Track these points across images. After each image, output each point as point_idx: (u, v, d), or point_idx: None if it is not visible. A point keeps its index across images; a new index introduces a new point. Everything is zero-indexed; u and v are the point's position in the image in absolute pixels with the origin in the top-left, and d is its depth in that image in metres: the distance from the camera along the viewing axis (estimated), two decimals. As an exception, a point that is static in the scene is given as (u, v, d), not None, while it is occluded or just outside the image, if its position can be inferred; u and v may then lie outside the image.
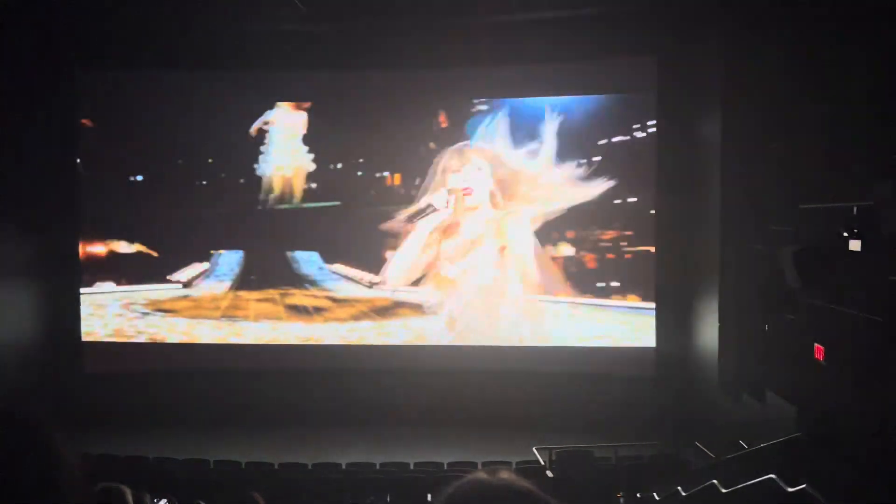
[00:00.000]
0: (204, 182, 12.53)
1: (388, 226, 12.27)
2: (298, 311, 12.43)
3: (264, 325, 12.46)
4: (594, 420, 11.20)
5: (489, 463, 9.05)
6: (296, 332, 12.48)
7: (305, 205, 12.43)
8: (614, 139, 11.82)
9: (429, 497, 7.42)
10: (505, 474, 1.22)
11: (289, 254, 12.37)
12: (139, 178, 12.55)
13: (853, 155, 7.22)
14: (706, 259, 11.04)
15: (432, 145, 12.22)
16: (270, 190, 12.50)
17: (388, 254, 12.25)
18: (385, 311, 12.32)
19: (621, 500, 8.08)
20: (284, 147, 12.48)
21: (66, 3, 11.10)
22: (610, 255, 11.88)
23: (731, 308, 10.23)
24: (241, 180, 12.53)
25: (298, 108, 12.55)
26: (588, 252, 11.92)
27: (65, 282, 12.67)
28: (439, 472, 9.02)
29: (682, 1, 11.05)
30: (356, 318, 12.33)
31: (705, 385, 11.03)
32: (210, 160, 12.55)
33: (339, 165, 12.40)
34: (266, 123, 12.53)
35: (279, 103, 12.55)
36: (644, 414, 11.27)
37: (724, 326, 10.36)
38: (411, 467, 9.44)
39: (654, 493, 7.90)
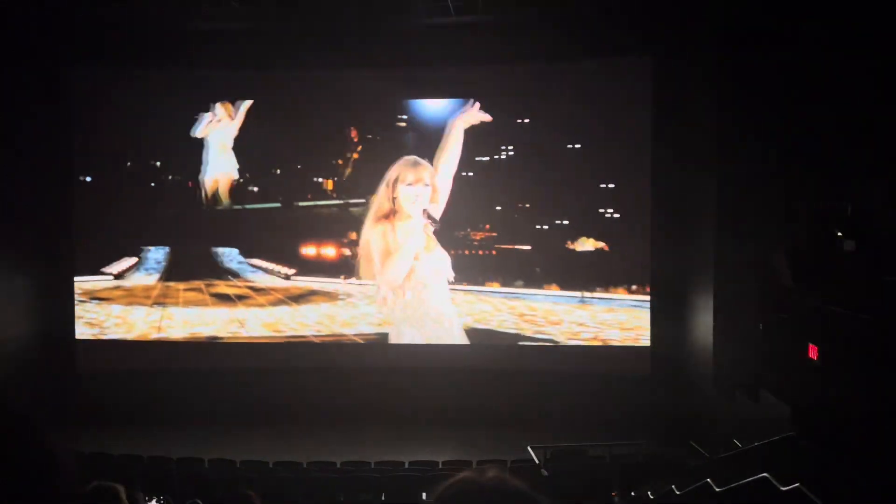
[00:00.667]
0: (152, 184, 13.12)
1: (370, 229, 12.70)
2: (223, 298, 13.21)
3: (193, 311, 13.19)
4: (589, 419, 11.21)
5: (484, 461, 9.06)
6: (221, 316, 13.21)
7: (247, 206, 13.13)
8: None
9: (423, 496, 7.43)
10: (493, 473, 1.22)
11: (214, 249, 13.22)
12: (88, 178, 13.04)
13: (849, 155, 7.24)
14: (701, 258, 11.07)
15: (344, 155, 12.87)
16: (212, 191, 13.10)
17: (305, 249, 13.08)
18: (300, 298, 13.17)
19: (616, 498, 8.09)
20: (224, 151, 13.02)
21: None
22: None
23: (726, 307, 10.27)
24: (190, 183, 13.12)
25: (231, 114, 12.99)
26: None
27: (58, 280, 12.64)
28: (434, 470, 9.02)
29: (678, 1, 11.06)
30: (274, 304, 13.17)
31: (700, 384, 11.06)
32: (157, 163, 13.12)
33: (279, 171, 13.18)
34: (214, 121, 12.95)
35: (217, 105, 12.97)
36: (638, 413, 11.30)
37: (718, 325, 10.38)
38: (406, 466, 9.45)
39: (649, 492, 7.92)
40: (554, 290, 12.52)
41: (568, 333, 12.46)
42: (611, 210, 12.24)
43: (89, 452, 8.89)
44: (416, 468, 9.26)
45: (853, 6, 7.46)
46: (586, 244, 12.32)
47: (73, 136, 12.67)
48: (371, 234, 12.70)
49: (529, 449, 9.85)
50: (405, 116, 12.82)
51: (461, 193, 12.54)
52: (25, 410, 1.43)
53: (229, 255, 13.22)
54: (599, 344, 12.29)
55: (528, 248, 12.56)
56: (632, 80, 12.02)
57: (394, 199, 12.55)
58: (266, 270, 13.18)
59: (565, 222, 12.41)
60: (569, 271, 12.43)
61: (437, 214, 12.43)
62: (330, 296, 13.09)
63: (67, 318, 12.75)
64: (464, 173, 12.56)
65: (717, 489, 6.72)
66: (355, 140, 12.91)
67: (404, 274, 12.55)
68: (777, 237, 8.62)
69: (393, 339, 12.78)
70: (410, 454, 10.09)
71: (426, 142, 12.59)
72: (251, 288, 13.18)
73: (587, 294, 12.37)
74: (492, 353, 12.52)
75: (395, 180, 12.54)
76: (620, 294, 12.33)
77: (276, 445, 10.81)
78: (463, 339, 12.64)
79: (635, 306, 12.22)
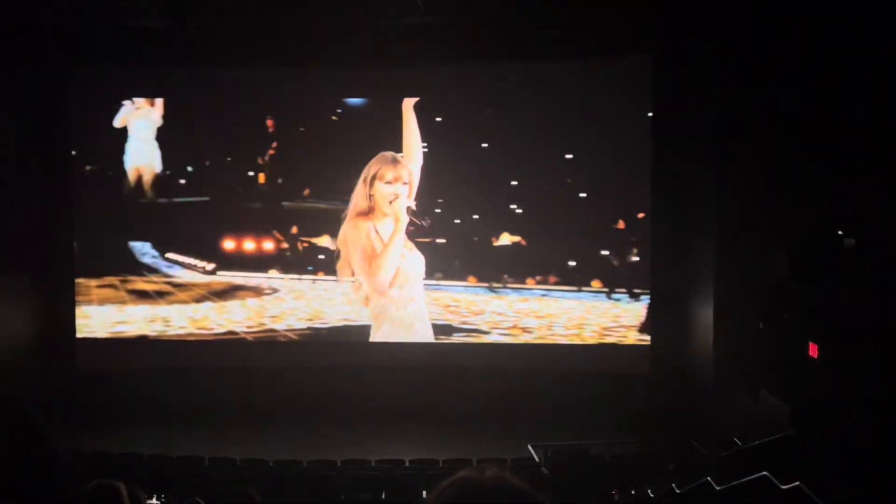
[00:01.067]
0: (68, 174, 12.74)
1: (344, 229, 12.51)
2: (141, 295, 12.99)
3: (109, 309, 12.92)
4: (589, 417, 11.21)
5: (484, 460, 9.07)
6: (142, 314, 12.97)
7: (175, 199, 12.92)
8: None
9: (423, 494, 7.43)
10: (493, 471, 1.22)
11: (129, 244, 12.95)
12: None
13: (850, 154, 7.24)
14: (702, 257, 11.08)
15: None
16: (134, 183, 12.89)
17: (226, 243, 12.94)
18: (224, 293, 13.02)
19: (616, 497, 8.10)
20: (146, 142, 12.82)
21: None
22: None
23: (726, 306, 10.27)
24: (110, 173, 12.88)
25: (152, 102, 12.85)
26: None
27: (59, 279, 12.64)
28: (434, 468, 9.02)
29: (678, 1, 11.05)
30: (197, 300, 12.98)
31: (700, 383, 11.07)
32: (73, 152, 12.79)
33: (208, 163, 13.01)
34: (133, 110, 12.80)
35: (135, 99, 12.80)
36: (639, 411, 11.29)
37: (718, 324, 10.39)
38: (406, 464, 9.45)
39: (649, 490, 7.93)
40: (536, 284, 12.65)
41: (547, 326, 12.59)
42: (514, 205, 12.48)
43: (90, 451, 8.89)
44: (417, 466, 9.26)
45: (854, 5, 7.45)
46: (505, 238, 12.53)
47: (73, 135, 12.65)
48: (350, 233, 12.42)
49: (530, 447, 9.86)
50: (341, 111, 12.79)
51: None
52: (26, 410, 1.43)
53: (143, 250, 12.93)
54: (600, 342, 12.30)
55: (444, 241, 12.59)
56: (632, 80, 12.01)
57: (370, 196, 12.27)
58: (185, 265, 12.94)
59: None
60: (489, 264, 12.63)
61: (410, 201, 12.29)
62: (255, 290, 12.98)
63: (68, 317, 12.74)
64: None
65: (718, 488, 6.72)
66: (272, 131, 12.80)
67: (392, 274, 12.39)
68: (777, 236, 8.63)
69: (380, 338, 12.61)
70: (411, 452, 10.10)
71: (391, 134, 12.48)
72: (171, 283, 12.96)
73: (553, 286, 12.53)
74: (493, 351, 12.53)
75: (373, 177, 12.24)
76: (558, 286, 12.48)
77: (276, 444, 10.82)
78: (433, 339, 12.62)
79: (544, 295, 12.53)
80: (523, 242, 12.56)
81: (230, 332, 12.94)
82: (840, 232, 6.53)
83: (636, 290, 12.25)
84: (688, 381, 11.50)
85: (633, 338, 12.23)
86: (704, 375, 10.90)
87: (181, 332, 12.93)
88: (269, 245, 12.93)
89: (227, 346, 12.91)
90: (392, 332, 12.59)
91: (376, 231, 12.32)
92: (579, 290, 12.39)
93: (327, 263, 12.76)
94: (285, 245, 12.90)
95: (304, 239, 12.85)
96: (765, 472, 6.11)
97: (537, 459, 9.49)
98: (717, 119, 10.57)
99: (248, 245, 12.97)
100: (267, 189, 12.90)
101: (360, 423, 11.78)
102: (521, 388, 11.98)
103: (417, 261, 12.41)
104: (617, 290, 12.34)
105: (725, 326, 10.26)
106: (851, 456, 6.30)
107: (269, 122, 12.83)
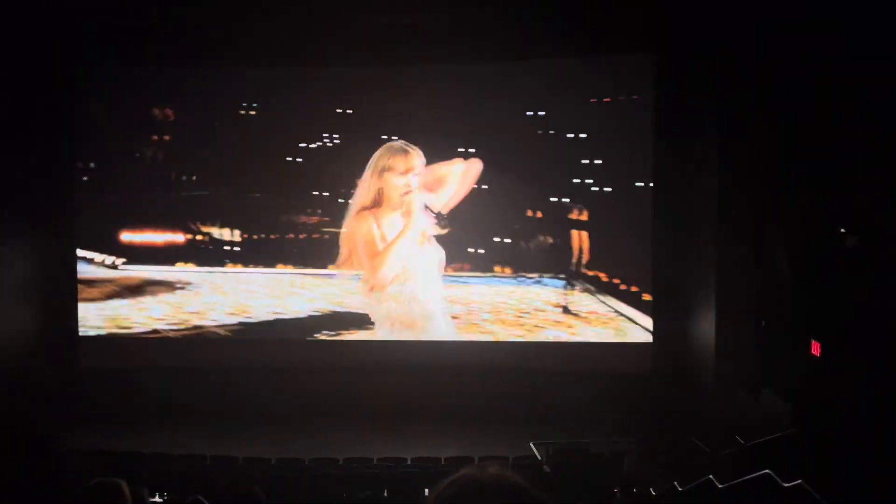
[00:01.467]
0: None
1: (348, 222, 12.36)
2: None
3: None
4: (590, 415, 11.21)
5: (486, 458, 9.07)
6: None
7: (78, 194, 12.70)
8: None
9: (426, 492, 7.43)
10: (495, 469, 1.23)
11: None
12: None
13: (851, 153, 7.24)
14: (704, 256, 11.08)
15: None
16: None
17: (127, 236, 12.71)
18: (137, 289, 12.81)
19: (618, 495, 8.10)
20: None
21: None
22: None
23: (728, 304, 10.27)
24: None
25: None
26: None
27: (61, 277, 12.65)
28: (436, 466, 9.03)
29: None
30: (109, 296, 12.75)
31: (702, 381, 11.07)
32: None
33: (113, 159, 12.83)
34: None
35: None
36: (640, 410, 11.30)
37: (720, 323, 10.39)
38: (408, 462, 9.46)
39: (651, 489, 7.93)
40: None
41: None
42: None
43: (91, 450, 8.90)
44: (419, 465, 9.27)
45: (853, 5, 7.45)
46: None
47: (74, 132, 12.65)
48: (355, 228, 12.20)
49: (532, 445, 9.87)
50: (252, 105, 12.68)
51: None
52: (28, 409, 1.43)
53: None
54: (601, 340, 12.29)
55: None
56: (632, 79, 12.01)
57: (380, 189, 11.94)
58: (88, 260, 12.64)
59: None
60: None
61: (438, 206, 11.96)
62: (168, 286, 12.80)
63: (69, 317, 12.75)
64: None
65: (720, 486, 6.73)
66: (171, 118, 12.67)
67: (394, 273, 12.21)
68: (778, 235, 8.62)
69: (382, 337, 12.53)
70: (413, 451, 10.10)
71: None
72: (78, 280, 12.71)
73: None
74: (495, 349, 12.52)
75: (383, 169, 11.92)
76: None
77: (278, 442, 10.83)
78: (452, 336, 12.48)
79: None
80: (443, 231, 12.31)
81: (154, 330, 12.80)
82: (843, 230, 6.52)
83: (544, 275, 12.34)
84: (689, 379, 11.50)
85: (563, 323, 12.35)
86: (706, 374, 10.89)
87: (94, 332, 12.72)
88: (181, 238, 12.74)
89: (228, 345, 12.88)
90: (393, 330, 12.47)
91: (379, 225, 12.08)
92: (492, 276, 12.39)
93: (244, 256, 12.73)
94: (201, 237, 12.69)
95: (205, 232, 12.70)
96: (767, 471, 6.11)
97: (539, 457, 9.50)
98: (717, 119, 10.57)
99: (157, 238, 12.73)
100: (175, 182, 12.74)
101: (361, 421, 11.78)
102: (523, 387, 11.98)
103: (431, 257, 12.10)
104: (526, 274, 12.38)
105: (727, 324, 10.26)
106: (853, 455, 6.30)
107: (169, 112, 12.65)
